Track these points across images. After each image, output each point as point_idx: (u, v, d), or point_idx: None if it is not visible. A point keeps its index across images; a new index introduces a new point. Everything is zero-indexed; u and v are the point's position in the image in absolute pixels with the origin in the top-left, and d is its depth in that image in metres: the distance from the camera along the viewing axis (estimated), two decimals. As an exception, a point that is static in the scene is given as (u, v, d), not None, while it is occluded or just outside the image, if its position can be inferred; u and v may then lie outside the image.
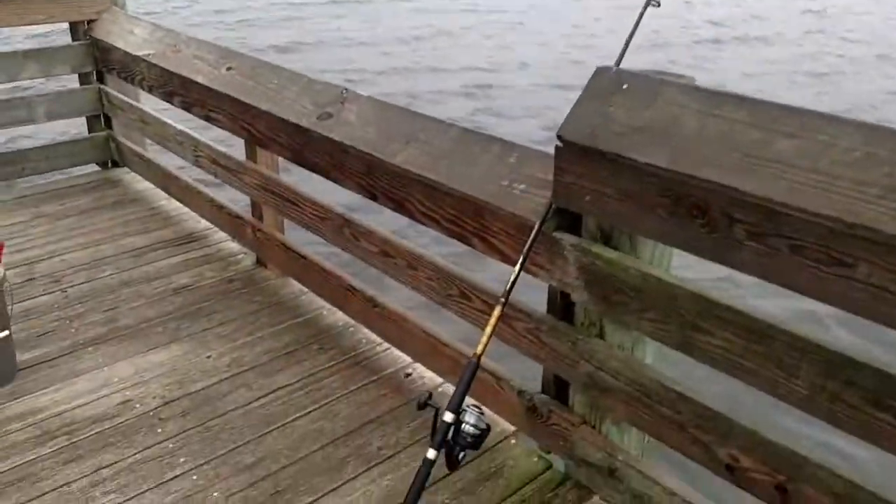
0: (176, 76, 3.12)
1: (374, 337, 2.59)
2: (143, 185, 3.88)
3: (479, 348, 1.64)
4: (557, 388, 1.93)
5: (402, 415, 2.22)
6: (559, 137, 1.58)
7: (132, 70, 3.49)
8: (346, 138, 2.29)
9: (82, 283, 2.95)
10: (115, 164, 4.12)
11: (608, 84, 1.55)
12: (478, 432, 1.62)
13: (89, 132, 4.10)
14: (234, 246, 3.28)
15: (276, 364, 2.45)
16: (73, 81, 4.04)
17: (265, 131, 2.68)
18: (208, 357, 2.49)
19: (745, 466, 1.48)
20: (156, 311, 2.75)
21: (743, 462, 1.48)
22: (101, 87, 3.92)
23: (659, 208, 1.44)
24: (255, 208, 3.04)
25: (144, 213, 3.59)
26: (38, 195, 3.79)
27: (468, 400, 1.63)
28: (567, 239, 1.69)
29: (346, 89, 2.45)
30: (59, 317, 2.70)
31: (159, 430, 2.15)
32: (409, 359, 2.47)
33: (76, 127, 4.43)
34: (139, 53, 3.35)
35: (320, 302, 2.82)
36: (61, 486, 1.95)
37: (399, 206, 2.17)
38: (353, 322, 2.68)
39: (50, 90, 3.90)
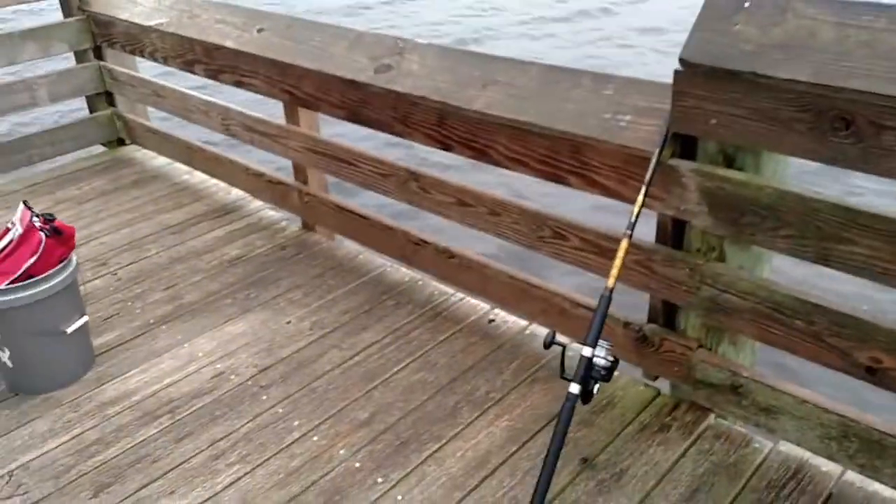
0: (197, 43, 3.02)
1: (444, 288, 2.60)
2: (158, 160, 3.77)
3: (611, 282, 1.66)
4: (666, 315, 1.97)
5: (498, 359, 2.24)
6: (681, 61, 1.59)
7: (141, 42, 3.37)
8: (412, 89, 2.25)
9: (131, 264, 2.88)
10: (122, 143, 3.99)
11: (727, 3, 1.55)
12: (609, 364, 1.65)
13: (91, 111, 3.95)
14: (273, 213, 3.23)
15: (358, 323, 2.45)
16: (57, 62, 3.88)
17: (312, 91, 2.62)
18: (288, 323, 2.47)
19: (887, 367, 1.54)
20: (218, 284, 2.71)
21: (886, 363, 1.54)
22: (102, 63, 3.77)
23: (797, 123, 1.46)
24: (299, 172, 2.99)
25: (170, 188, 3.50)
26: (52, 181, 3.66)
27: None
28: (685, 165, 1.70)
29: (401, 39, 2.41)
30: (118, 299, 2.65)
31: (264, 397, 2.14)
32: (486, 305, 2.49)
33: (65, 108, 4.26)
34: (150, 23, 3.23)
35: (380, 259, 2.81)
36: (181, 464, 1.94)
37: (480, 154, 2.16)
38: (418, 276, 2.68)
39: (48, 71, 3.72)
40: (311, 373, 2.23)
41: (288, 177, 3.04)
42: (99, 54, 3.78)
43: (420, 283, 2.66)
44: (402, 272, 2.73)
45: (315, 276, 2.74)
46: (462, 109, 2.13)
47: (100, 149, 3.99)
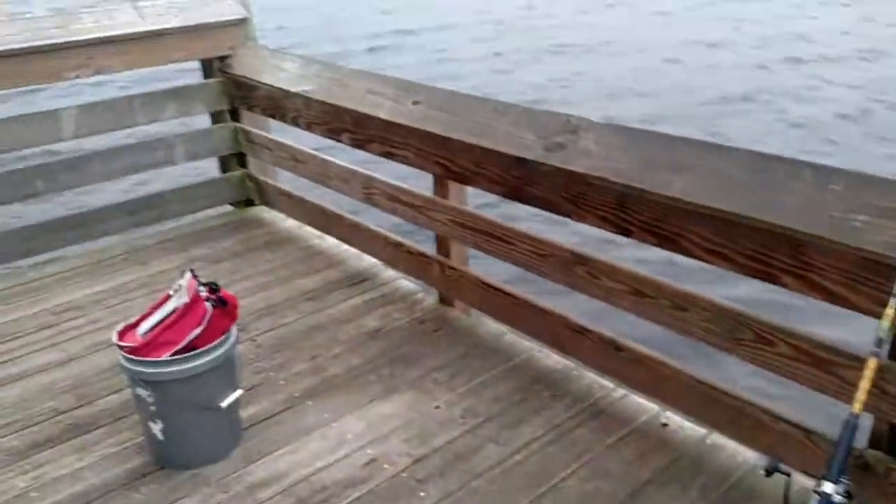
0: (346, 112, 3.00)
1: (604, 381, 2.42)
2: (288, 222, 3.76)
3: (857, 407, 1.46)
4: (893, 442, 1.73)
5: (679, 474, 2.02)
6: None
7: (282, 107, 3.39)
8: (588, 169, 2.13)
9: (270, 331, 2.81)
10: (250, 203, 4.02)
11: None
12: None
13: (223, 171, 4.00)
14: (407, 283, 3.14)
15: (513, 414, 2.29)
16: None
17: (468, 165, 2.54)
18: (437, 407, 2.33)
19: None
20: (360, 358, 2.61)
21: None
22: (237, 125, 3.83)
23: None
24: (442, 245, 2.89)
25: (302, 252, 3.46)
26: (181, 238, 3.68)
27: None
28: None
29: (571, 116, 2.31)
30: (261, 368, 2.57)
31: (422, 494, 1.99)
32: (653, 406, 2.29)
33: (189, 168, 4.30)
34: (297, 89, 3.25)
35: (526, 342, 2.66)
36: (342, 561, 1.80)
37: (667, 242, 2.01)
38: (573, 364, 2.51)
39: (184, 130, 3.80)
40: (469, 469, 2.07)
41: (428, 248, 2.96)
42: (235, 116, 3.85)
43: (575, 372, 2.48)
44: (553, 358, 2.56)
45: (459, 357, 2.60)
46: (648, 193, 1.99)
47: (228, 208, 4.02)
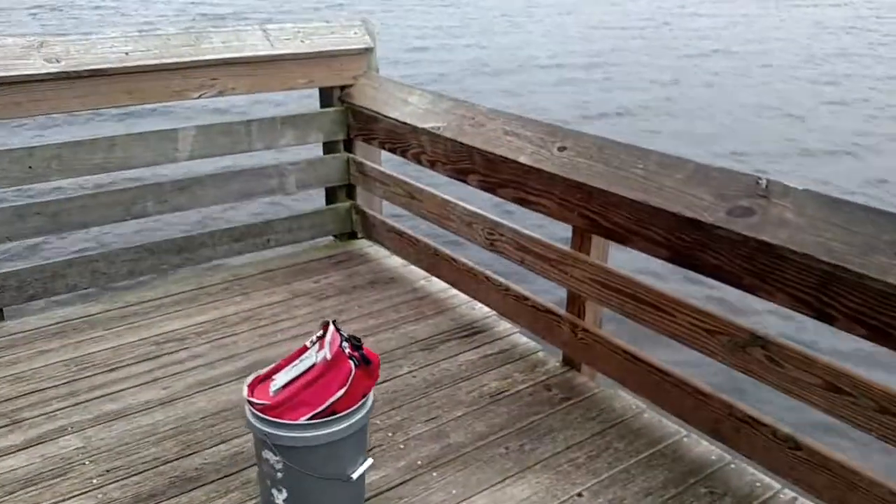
0: (479, 153, 2.81)
1: (770, 480, 2.12)
2: (392, 260, 3.58)
3: None
4: None
5: None
6: None
7: (406, 142, 3.22)
8: (788, 242, 1.86)
9: (384, 382, 2.60)
10: (353, 236, 3.86)
11: None
12: None
13: (329, 202, 3.85)
14: (526, 340, 2.90)
15: (666, 512, 2.01)
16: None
17: (623, 222, 2.30)
18: (580, 496, 2.07)
19: None
20: (484, 425, 2.36)
21: None
22: (350, 155, 3.69)
23: None
24: (574, 302, 2.65)
25: (409, 294, 3.26)
26: (284, 269, 3.53)
27: None
28: None
29: (761, 178, 2.05)
30: (377, 427, 2.35)
31: None
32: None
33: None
34: (424, 125, 3.07)
35: (671, 423, 2.38)
36: None
37: (881, 336, 1.72)
38: (728, 455, 2.22)
39: (298, 159, 3.67)
40: (628, 576, 1.80)
41: (557, 306, 2.72)
42: (349, 146, 3.71)
43: (733, 466, 2.19)
44: (704, 446, 2.28)
45: (595, 434, 2.33)
46: (864, 278, 1.71)
47: (329, 239, 3.87)
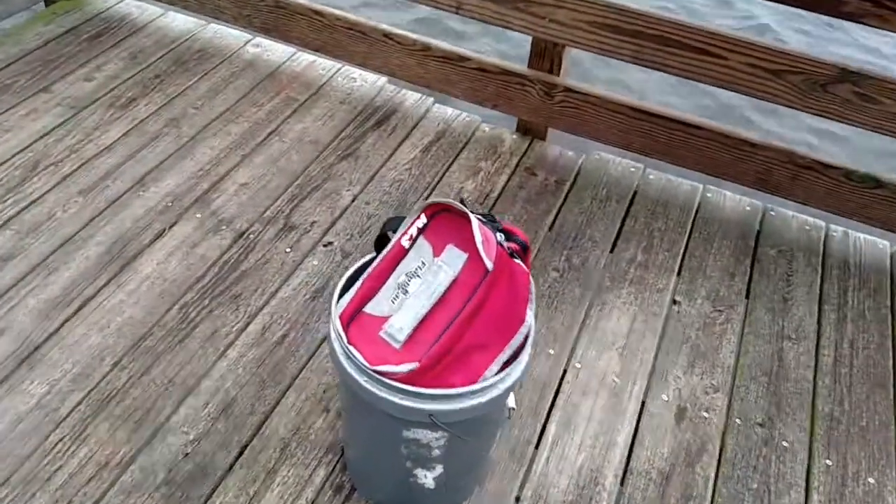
0: None
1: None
2: (180, 20, 2.41)
3: None
4: None
5: None
6: None
7: None
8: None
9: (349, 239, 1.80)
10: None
11: None
12: None
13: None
14: (456, 112, 2.22)
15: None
16: None
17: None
18: (675, 303, 1.71)
19: None
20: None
21: None
22: None
23: None
24: (542, 56, 2.02)
25: (250, 74, 2.24)
26: (13, 68, 2.17)
27: None
28: None
29: None
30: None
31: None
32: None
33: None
34: None
35: (685, 179, 2.06)
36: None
37: None
38: (761, 197, 2.01)
39: None
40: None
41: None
42: None
43: (773, 213, 1.99)
44: (731, 199, 2.02)
45: (622, 218, 1.93)
46: None
47: (39, 6, 2.45)
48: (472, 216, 1.06)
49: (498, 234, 1.08)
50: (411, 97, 2.25)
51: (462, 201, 1.10)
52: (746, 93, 1.81)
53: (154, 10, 2.43)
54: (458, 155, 2.07)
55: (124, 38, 2.31)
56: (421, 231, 1.11)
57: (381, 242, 1.16)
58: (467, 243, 1.06)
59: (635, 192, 2.01)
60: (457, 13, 1.98)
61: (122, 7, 2.44)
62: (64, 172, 1.83)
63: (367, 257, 1.16)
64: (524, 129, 2.18)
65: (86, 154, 1.89)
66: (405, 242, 1.10)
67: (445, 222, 1.11)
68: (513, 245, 1.10)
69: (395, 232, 1.14)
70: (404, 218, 1.14)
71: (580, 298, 1.69)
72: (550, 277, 1.74)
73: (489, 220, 1.12)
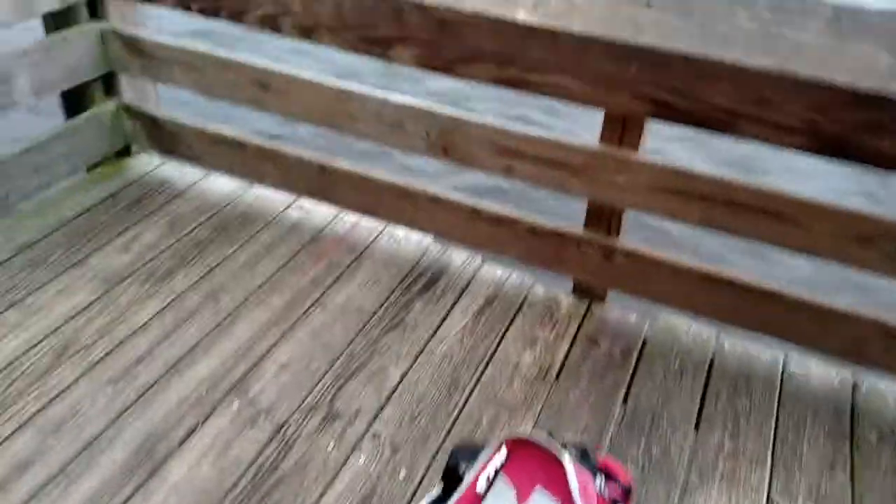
0: (417, 9, 1.75)
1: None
2: (220, 184, 2.36)
3: None
4: None
5: None
6: None
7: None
8: None
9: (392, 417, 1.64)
10: (123, 153, 2.48)
11: None
12: None
13: (72, 112, 2.35)
14: (505, 273, 2.10)
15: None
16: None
17: (727, 104, 1.57)
18: (770, 502, 1.49)
19: None
20: (597, 422, 1.60)
21: None
22: (104, 25, 2.24)
23: None
24: (599, 217, 1.90)
25: (293, 238, 2.16)
26: (52, 239, 2.11)
27: None
28: None
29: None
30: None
31: None
32: None
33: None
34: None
35: (764, 347, 1.88)
36: None
37: None
38: (848, 367, 1.82)
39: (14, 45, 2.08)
40: None
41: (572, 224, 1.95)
42: (94, 9, 2.23)
43: (866, 386, 1.79)
44: (816, 370, 1.83)
45: (701, 393, 1.74)
46: None
47: (83, 173, 2.42)
48: (565, 459, 0.89)
49: (597, 478, 0.91)
50: (458, 257, 2.14)
51: (550, 433, 0.94)
52: (831, 260, 1.66)
53: (195, 173, 2.40)
54: (511, 321, 1.93)
55: (164, 205, 2.26)
56: (500, 469, 0.94)
57: (450, 476, 0.99)
58: (558, 486, 0.89)
59: (711, 363, 1.83)
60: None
61: (162, 170, 2.41)
62: (93, 359, 1.71)
63: (433, 495, 0.99)
64: (581, 290, 2.04)
65: (117, 335, 1.78)
66: (481, 485, 0.93)
67: (529, 456, 0.94)
68: (614, 491, 0.92)
69: (465, 463, 0.97)
70: (475, 446, 0.98)
71: (665, 501, 1.48)
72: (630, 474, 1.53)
73: (582, 455, 0.95)
